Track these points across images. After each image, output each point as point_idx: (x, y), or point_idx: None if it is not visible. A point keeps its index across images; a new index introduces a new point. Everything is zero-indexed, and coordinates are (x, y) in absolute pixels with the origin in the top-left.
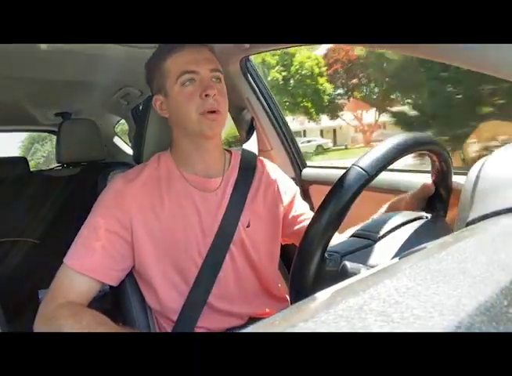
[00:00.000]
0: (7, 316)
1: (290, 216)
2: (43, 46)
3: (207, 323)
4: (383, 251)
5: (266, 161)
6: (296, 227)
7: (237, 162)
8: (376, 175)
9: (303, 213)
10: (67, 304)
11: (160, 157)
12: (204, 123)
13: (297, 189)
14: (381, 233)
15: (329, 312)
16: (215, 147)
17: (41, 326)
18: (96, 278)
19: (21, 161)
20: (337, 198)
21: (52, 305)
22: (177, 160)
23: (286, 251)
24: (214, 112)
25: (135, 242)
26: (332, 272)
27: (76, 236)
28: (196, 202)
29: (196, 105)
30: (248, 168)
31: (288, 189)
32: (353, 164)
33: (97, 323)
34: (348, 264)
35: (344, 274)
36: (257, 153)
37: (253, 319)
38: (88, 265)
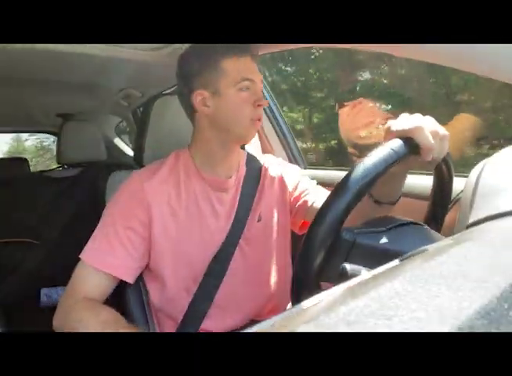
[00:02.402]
0: (6, 316)
1: (295, 198)
2: (44, 47)
3: (211, 324)
4: (395, 238)
5: (270, 156)
6: (299, 203)
7: (244, 160)
8: (382, 173)
9: (306, 189)
10: (86, 299)
11: (179, 155)
12: (252, 130)
13: (301, 175)
14: (390, 225)
15: (329, 315)
16: (238, 149)
17: (60, 319)
18: (116, 275)
19: (21, 162)
20: (348, 187)
21: (72, 300)
22: (197, 160)
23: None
24: (259, 121)
25: (152, 238)
26: (345, 244)
27: (94, 233)
28: (213, 203)
29: (250, 111)
30: (255, 164)
31: (293, 177)
32: (360, 162)
33: (113, 320)
34: (348, 266)
35: (344, 276)
36: (260, 153)
37: (255, 322)
38: (108, 262)
